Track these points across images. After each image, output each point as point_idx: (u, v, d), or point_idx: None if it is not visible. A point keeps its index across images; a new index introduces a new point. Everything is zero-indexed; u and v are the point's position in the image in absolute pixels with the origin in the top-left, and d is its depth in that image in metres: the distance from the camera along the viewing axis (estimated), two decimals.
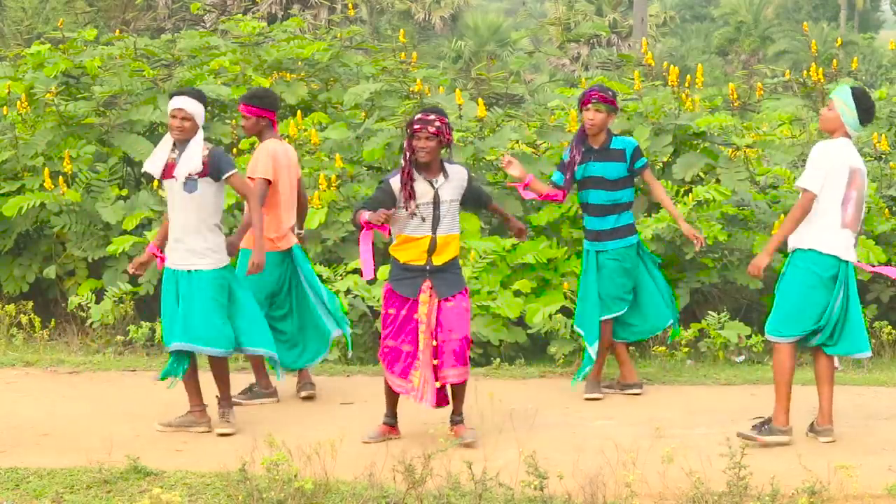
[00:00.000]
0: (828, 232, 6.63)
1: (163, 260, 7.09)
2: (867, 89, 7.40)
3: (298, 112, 11.12)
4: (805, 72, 12.64)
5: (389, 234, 6.75)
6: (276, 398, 7.92)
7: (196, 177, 6.87)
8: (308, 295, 7.92)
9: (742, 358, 9.32)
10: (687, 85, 11.30)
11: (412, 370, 6.70)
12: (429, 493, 5.54)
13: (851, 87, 6.78)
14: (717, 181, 10.21)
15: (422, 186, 6.67)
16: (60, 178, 10.24)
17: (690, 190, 9.89)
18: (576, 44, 39.26)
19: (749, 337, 9.31)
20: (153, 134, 11.08)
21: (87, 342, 9.87)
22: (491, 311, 9.20)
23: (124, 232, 10.11)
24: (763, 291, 9.70)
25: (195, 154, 6.88)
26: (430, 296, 6.72)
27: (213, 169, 6.89)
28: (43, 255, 10.79)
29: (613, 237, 7.88)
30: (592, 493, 5.56)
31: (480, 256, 9.50)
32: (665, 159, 10.44)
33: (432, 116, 6.68)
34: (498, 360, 9.12)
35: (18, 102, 10.93)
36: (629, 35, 40.14)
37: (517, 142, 10.80)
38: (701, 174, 10.42)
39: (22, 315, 10.25)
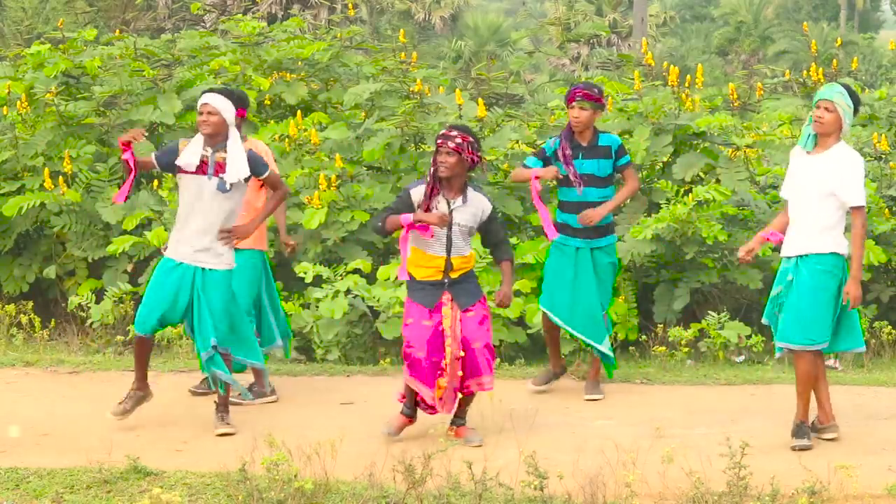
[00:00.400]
0: (842, 235, 6.70)
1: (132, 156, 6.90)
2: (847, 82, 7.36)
3: (298, 112, 11.12)
4: (805, 72, 12.64)
5: (432, 235, 6.73)
6: (276, 397, 7.93)
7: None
8: (265, 299, 7.97)
9: (742, 358, 9.32)
10: (687, 85, 11.30)
11: (439, 380, 6.73)
12: (429, 493, 5.55)
13: (841, 85, 6.77)
14: (717, 181, 10.21)
15: (439, 204, 6.72)
16: (60, 178, 10.24)
17: (690, 190, 9.89)
18: (576, 44, 39.25)
19: (749, 337, 9.31)
20: (153, 134, 11.07)
21: (87, 342, 9.87)
22: (491, 311, 9.19)
23: (124, 232, 10.11)
24: (763, 291, 9.69)
25: (241, 158, 6.93)
26: (452, 308, 6.75)
27: (252, 171, 6.98)
28: (43, 255, 10.79)
29: (607, 233, 7.92)
30: (592, 493, 5.57)
31: (480, 256, 9.50)
32: (665, 159, 10.45)
33: (454, 132, 6.72)
34: (498, 360, 9.11)
35: (18, 102, 10.93)
36: (629, 35, 40.14)
37: (517, 142, 10.80)
38: (701, 174, 10.42)
39: (22, 315, 10.25)
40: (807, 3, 55.03)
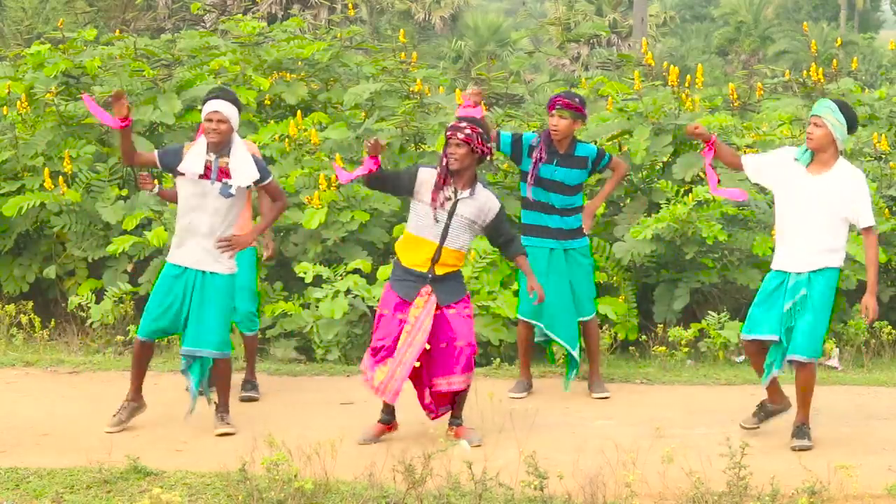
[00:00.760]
0: (845, 249, 6.82)
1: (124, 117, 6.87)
2: (844, 99, 7.35)
3: (298, 112, 11.12)
4: (805, 72, 12.64)
5: (378, 166, 6.70)
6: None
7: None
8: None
9: (742, 358, 9.31)
10: (687, 85, 11.31)
11: (380, 364, 6.69)
12: (429, 493, 5.55)
13: (833, 101, 6.75)
14: (718, 181, 10.20)
15: (446, 191, 6.73)
16: (60, 178, 10.24)
17: (690, 190, 9.89)
18: (576, 44, 39.22)
19: None
20: (153, 134, 11.08)
21: (87, 342, 9.87)
22: (491, 311, 9.20)
23: (124, 232, 10.11)
24: None
25: (248, 164, 6.93)
26: (427, 301, 6.72)
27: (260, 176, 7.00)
28: (43, 255, 10.79)
29: (580, 235, 7.94)
30: (592, 493, 5.57)
31: (480, 256, 9.50)
32: (665, 159, 10.45)
33: (464, 124, 6.77)
34: (498, 360, 9.12)
35: (18, 102, 10.93)
36: (629, 35, 40.11)
37: None
38: (701, 174, 10.39)
39: (22, 315, 10.25)
40: (807, 3, 55.01)
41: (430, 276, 6.76)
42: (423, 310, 6.71)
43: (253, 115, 11.36)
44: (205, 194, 6.91)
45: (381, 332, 6.76)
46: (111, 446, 6.34)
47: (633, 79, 10.90)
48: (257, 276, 8.14)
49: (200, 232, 6.94)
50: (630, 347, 9.69)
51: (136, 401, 7.14)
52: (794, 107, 11.63)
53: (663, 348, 9.29)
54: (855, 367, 9.28)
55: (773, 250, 7.19)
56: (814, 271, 6.68)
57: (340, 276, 9.56)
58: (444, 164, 6.74)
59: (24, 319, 10.20)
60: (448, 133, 6.77)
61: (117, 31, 15.76)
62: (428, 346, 6.70)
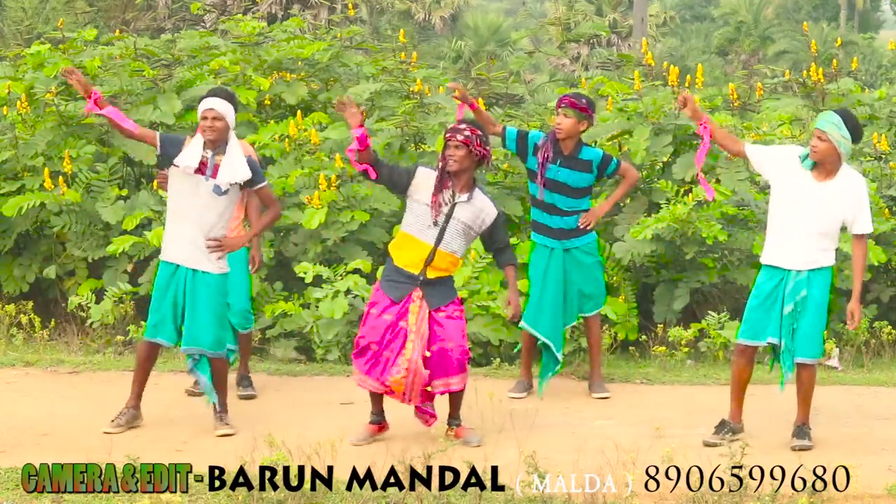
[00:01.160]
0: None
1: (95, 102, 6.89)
2: (850, 110, 7.32)
3: (298, 112, 11.12)
4: (805, 72, 12.63)
5: (367, 146, 6.63)
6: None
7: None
8: None
9: None
10: (687, 85, 11.30)
11: (393, 375, 6.67)
12: (429, 493, 5.55)
13: (836, 112, 6.73)
14: (717, 181, 10.21)
15: (444, 195, 6.71)
16: (60, 178, 10.24)
17: (690, 190, 9.89)
18: (576, 44, 39.22)
19: None
20: None
21: (87, 342, 9.86)
22: (491, 311, 9.20)
23: (124, 232, 10.10)
24: None
25: (240, 161, 6.93)
26: (420, 306, 6.71)
27: (252, 179, 6.98)
28: (43, 255, 10.78)
29: (581, 233, 7.94)
30: (592, 494, 5.57)
31: (481, 256, 9.50)
32: (665, 159, 10.45)
33: (463, 126, 6.77)
34: (498, 360, 9.12)
35: (18, 102, 10.92)
36: (629, 35, 40.10)
37: None
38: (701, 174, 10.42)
39: (22, 315, 10.24)
40: (807, 3, 55.00)
41: (421, 277, 6.74)
42: (417, 316, 6.71)
43: (253, 115, 11.36)
44: (197, 191, 6.92)
45: (365, 330, 6.78)
46: (111, 446, 6.34)
47: (633, 79, 10.90)
48: (250, 274, 8.14)
49: (192, 228, 6.94)
50: (630, 347, 9.69)
51: (136, 407, 7.14)
52: (794, 107, 11.63)
53: (663, 348, 9.30)
54: (855, 367, 9.28)
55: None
56: (812, 270, 6.69)
57: (340, 276, 9.55)
58: (442, 165, 6.73)
59: (24, 319, 10.19)
60: (447, 135, 6.76)
61: (117, 31, 15.74)
62: (429, 353, 6.71)
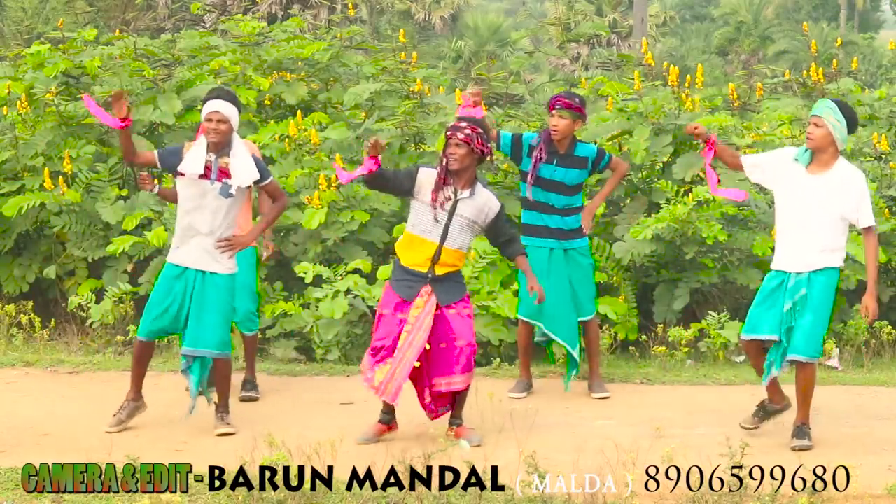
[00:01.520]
0: (844, 249, 6.82)
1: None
2: (844, 99, 7.35)
3: (298, 112, 11.12)
4: (805, 72, 12.64)
5: (378, 166, 6.67)
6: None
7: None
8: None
9: (742, 358, 9.32)
10: (687, 85, 11.30)
11: (380, 364, 6.69)
12: (429, 493, 5.55)
13: (833, 101, 6.75)
14: (718, 181, 10.20)
15: (446, 191, 6.73)
16: (60, 178, 10.24)
17: (690, 190, 9.89)
18: (576, 44, 39.22)
19: None
20: (153, 134, 11.08)
21: (87, 342, 9.87)
22: (491, 311, 9.20)
23: (124, 232, 10.10)
24: None
25: (248, 163, 6.94)
26: (427, 301, 6.72)
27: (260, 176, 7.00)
28: (43, 255, 10.78)
29: (579, 235, 7.94)
30: (592, 494, 5.57)
31: (480, 256, 9.50)
32: (665, 159, 10.44)
33: (464, 124, 6.80)
34: (498, 360, 9.13)
35: (18, 102, 10.93)
36: (629, 35, 40.10)
37: None
38: (701, 174, 10.39)
39: (22, 315, 10.25)
40: (807, 3, 54.99)
41: (429, 275, 6.76)
42: (422, 310, 6.71)
43: (253, 115, 11.36)
44: (204, 194, 6.91)
45: (382, 332, 6.77)
46: (111, 446, 6.33)
47: (633, 79, 10.90)
48: (257, 275, 8.15)
49: (200, 232, 6.94)
50: (630, 347, 9.69)
51: (136, 400, 7.15)
52: (794, 107, 11.63)
53: (663, 348, 9.30)
54: (855, 367, 9.28)
55: (773, 250, 7.19)
56: (814, 271, 6.68)
57: (340, 276, 9.55)
58: (443, 164, 6.75)
59: (24, 319, 10.19)
60: (448, 133, 6.77)
61: (117, 31, 15.75)
62: (428, 346, 6.71)
